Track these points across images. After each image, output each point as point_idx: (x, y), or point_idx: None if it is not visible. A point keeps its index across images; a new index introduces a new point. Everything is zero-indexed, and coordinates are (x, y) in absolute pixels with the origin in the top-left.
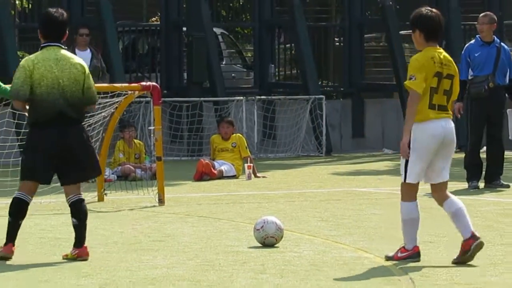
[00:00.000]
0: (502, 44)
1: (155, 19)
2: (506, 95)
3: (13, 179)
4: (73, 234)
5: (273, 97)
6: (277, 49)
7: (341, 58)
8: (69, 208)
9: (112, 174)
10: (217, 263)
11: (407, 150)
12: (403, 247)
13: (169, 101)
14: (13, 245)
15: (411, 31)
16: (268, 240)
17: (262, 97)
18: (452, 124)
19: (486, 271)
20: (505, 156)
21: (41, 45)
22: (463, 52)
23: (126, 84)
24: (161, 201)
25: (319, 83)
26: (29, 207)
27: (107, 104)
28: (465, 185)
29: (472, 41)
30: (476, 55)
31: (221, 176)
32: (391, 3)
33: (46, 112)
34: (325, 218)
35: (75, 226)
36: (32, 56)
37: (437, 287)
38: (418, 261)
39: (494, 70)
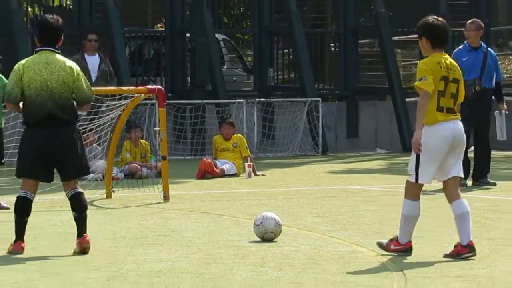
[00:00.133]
0: (489, 49)
1: (160, 25)
2: (493, 97)
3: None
4: None
5: (272, 99)
6: (276, 54)
7: (336, 62)
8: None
9: (120, 172)
10: (219, 257)
11: (419, 145)
12: (397, 240)
13: (173, 104)
14: (23, 242)
15: (417, 38)
16: (267, 235)
17: (262, 99)
18: (461, 125)
19: (474, 265)
20: (491, 156)
21: (35, 50)
22: (451, 56)
23: (133, 87)
24: (165, 198)
25: (316, 86)
26: (40, 204)
27: (114, 106)
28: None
29: (460, 47)
30: (463, 59)
31: (222, 174)
32: (384, 10)
33: (36, 113)
34: (321, 214)
35: (75, 218)
36: (24, 60)
37: (428, 279)
38: (410, 255)
39: (481, 74)
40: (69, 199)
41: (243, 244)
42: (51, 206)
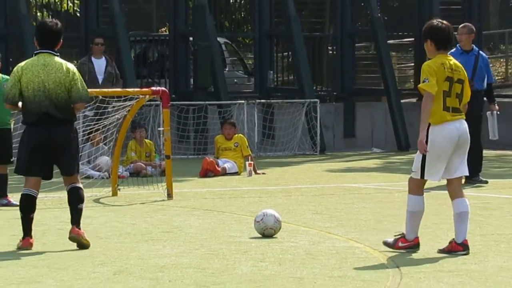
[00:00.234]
0: (480, 52)
1: (164, 29)
2: (485, 98)
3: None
4: (90, 226)
5: (272, 100)
6: (276, 57)
7: (334, 65)
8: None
9: (125, 171)
10: (220, 252)
11: (424, 146)
12: (403, 237)
13: (177, 105)
14: (31, 238)
15: (423, 40)
16: (267, 231)
17: (262, 100)
18: (466, 124)
19: (466, 260)
20: (483, 155)
21: (34, 52)
22: None
23: (138, 89)
24: (169, 195)
25: (314, 88)
26: (49, 201)
27: (120, 107)
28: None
29: (453, 50)
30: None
31: (224, 173)
32: (379, 15)
33: (33, 112)
34: (319, 211)
35: (70, 211)
36: (23, 62)
37: (422, 274)
38: (418, 251)
39: (472, 76)
40: (67, 192)
41: (244, 240)
42: (58, 203)
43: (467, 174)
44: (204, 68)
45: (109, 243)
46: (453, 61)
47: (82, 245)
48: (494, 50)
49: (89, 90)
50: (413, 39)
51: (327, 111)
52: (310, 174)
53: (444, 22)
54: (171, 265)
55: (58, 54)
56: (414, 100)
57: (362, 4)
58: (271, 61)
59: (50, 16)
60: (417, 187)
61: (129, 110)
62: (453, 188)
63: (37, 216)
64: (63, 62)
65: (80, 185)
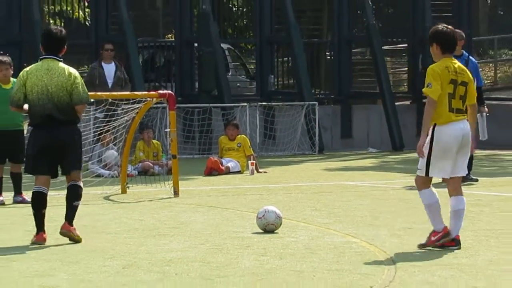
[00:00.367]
0: (470, 57)
1: (170, 36)
2: None
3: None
4: (99, 222)
5: (273, 103)
6: (276, 62)
7: (331, 69)
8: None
9: (134, 170)
10: (224, 247)
11: (423, 151)
12: (433, 231)
13: (183, 107)
14: (44, 233)
15: (429, 44)
16: (268, 227)
17: (263, 103)
18: (468, 125)
19: (458, 254)
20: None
21: (39, 57)
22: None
23: (146, 92)
24: (176, 193)
25: (313, 91)
26: (61, 198)
27: (129, 110)
28: (439, 179)
29: None
30: None
31: (228, 171)
32: (374, 22)
33: (38, 115)
34: (318, 208)
35: (66, 206)
36: (28, 67)
37: (416, 267)
38: (450, 239)
39: None
40: (67, 188)
41: (246, 235)
42: None
43: (463, 174)
44: (208, 72)
45: (119, 238)
46: (457, 64)
47: (74, 240)
48: (483, 56)
49: (99, 93)
50: (406, 45)
51: (325, 113)
52: (309, 173)
53: (449, 27)
54: (177, 259)
55: (62, 59)
56: (407, 102)
57: (358, 11)
58: (272, 66)
59: (63, 24)
60: (423, 183)
61: (137, 112)
62: (454, 187)
63: (49, 212)
64: (66, 67)
65: (80, 184)
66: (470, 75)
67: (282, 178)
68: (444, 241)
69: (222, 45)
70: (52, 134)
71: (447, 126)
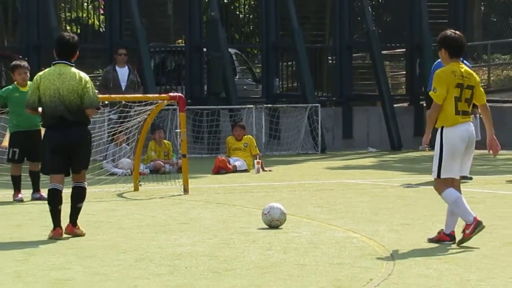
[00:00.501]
0: (464, 61)
1: (180, 41)
2: None
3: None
4: (114, 218)
5: (278, 105)
6: (281, 66)
7: (333, 73)
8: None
9: (146, 168)
10: (231, 242)
11: (427, 145)
12: (466, 224)
13: (192, 109)
14: (61, 228)
15: (438, 48)
16: (273, 222)
17: (269, 105)
18: (473, 127)
19: (453, 249)
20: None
21: (53, 62)
22: (432, 68)
23: (157, 95)
24: (185, 190)
25: (315, 93)
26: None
27: (141, 111)
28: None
29: (439, 60)
30: None
31: (235, 170)
32: (374, 28)
33: (50, 116)
34: (321, 204)
35: (70, 207)
36: (41, 72)
37: (413, 261)
38: (483, 227)
39: None
40: (72, 188)
41: (252, 230)
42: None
43: (465, 174)
44: (217, 76)
45: (131, 233)
46: (464, 68)
47: (78, 236)
48: (477, 60)
49: (113, 96)
50: (404, 50)
51: (327, 114)
52: (312, 172)
53: (457, 32)
54: (187, 253)
55: (74, 64)
56: (405, 104)
57: (359, 18)
58: (276, 70)
59: (79, 30)
60: (443, 185)
61: (149, 113)
62: (456, 185)
63: (65, 209)
64: (77, 71)
65: (85, 185)
66: (477, 78)
67: (286, 176)
68: (478, 230)
69: (229, 50)
70: (64, 135)
71: (454, 128)
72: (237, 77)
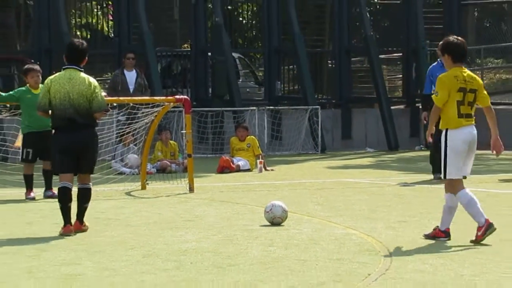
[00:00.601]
0: None
1: (186, 46)
2: None
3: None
4: (122, 215)
5: (279, 107)
6: (283, 70)
7: (333, 76)
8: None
9: (152, 168)
10: (235, 238)
11: (429, 139)
12: (478, 226)
13: (197, 111)
14: (71, 225)
15: (441, 54)
16: (275, 220)
17: (271, 107)
18: (475, 130)
19: (448, 245)
20: None
21: (63, 67)
22: (427, 72)
23: (163, 97)
24: (191, 189)
25: (316, 96)
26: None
27: (148, 113)
28: (431, 176)
29: (434, 64)
30: (437, 74)
31: (238, 169)
32: (372, 33)
33: (60, 118)
34: (321, 202)
35: (77, 206)
36: (52, 76)
37: (410, 256)
38: (495, 229)
39: None
40: (78, 189)
41: (255, 227)
42: (96, 196)
43: (469, 175)
44: (221, 79)
45: (139, 230)
46: (467, 73)
47: (84, 231)
48: (471, 64)
49: (122, 98)
50: (401, 54)
51: (327, 116)
52: (312, 171)
53: (460, 38)
54: (192, 249)
55: (83, 69)
56: (402, 106)
57: (357, 23)
58: (278, 73)
59: (89, 35)
60: (456, 186)
61: (156, 115)
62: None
63: (74, 207)
64: (86, 76)
65: (90, 186)
66: (480, 82)
67: (288, 176)
68: (490, 232)
69: (233, 54)
70: (73, 136)
71: (458, 130)
72: (240, 80)
